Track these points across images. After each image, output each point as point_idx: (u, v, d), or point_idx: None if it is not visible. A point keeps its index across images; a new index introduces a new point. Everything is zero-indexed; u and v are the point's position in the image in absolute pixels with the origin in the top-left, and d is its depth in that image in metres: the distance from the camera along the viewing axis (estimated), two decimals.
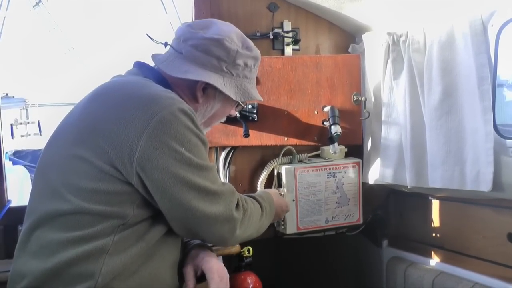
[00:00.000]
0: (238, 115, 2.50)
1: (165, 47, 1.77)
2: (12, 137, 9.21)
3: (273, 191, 2.22)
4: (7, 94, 9.39)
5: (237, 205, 1.65)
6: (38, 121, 9.58)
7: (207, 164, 1.55)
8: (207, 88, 1.72)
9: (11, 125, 9.25)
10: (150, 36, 1.80)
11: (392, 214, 2.96)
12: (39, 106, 10.12)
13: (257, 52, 1.81)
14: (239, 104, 1.85)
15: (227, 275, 1.72)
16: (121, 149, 1.43)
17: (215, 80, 1.68)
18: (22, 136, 9.46)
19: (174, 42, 1.74)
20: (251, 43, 1.80)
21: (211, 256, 1.75)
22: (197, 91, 1.72)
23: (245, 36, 1.79)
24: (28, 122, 9.77)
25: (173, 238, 1.62)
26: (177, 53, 1.71)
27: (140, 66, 1.74)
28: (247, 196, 1.85)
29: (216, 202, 1.55)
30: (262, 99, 1.89)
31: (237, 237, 1.65)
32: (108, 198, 1.45)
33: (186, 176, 1.48)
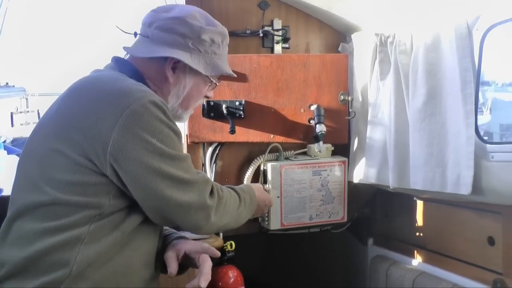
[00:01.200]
0: (225, 111, 2.52)
1: (135, 37, 1.80)
2: (12, 125, 9.24)
3: (256, 185, 2.23)
4: (7, 83, 9.42)
5: (212, 193, 1.68)
6: (38, 110, 9.61)
7: (179, 154, 1.58)
8: (177, 67, 1.75)
9: (11, 113, 9.28)
10: (120, 28, 1.83)
11: (378, 213, 2.99)
12: (39, 95, 10.13)
13: (222, 28, 1.83)
14: (213, 82, 1.86)
15: (210, 263, 1.75)
16: (95, 141, 1.47)
17: (182, 56, 1.70)
18: (21, 124, 9.49)
19: (142, 29, 1.78)
20: (215, 21, 1.82)
21: (193, 241, 1.80)
22: (166, 71, 1.74)
23: (208, 15, 1.82)
24: (28, 111, 9.79)
25: (150, 228, 1.65)
26: (144, 38, 1.75)
27: (116, 61, 1.77)
28: (226, 186, 1.88)
29: (190, 191, 1.58)
30: (234, 75, 1.91)
31: (212, 224, 1.68)
32: (84, 189, 1.49)
33: (158, 166, 1.51)
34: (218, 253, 1.83)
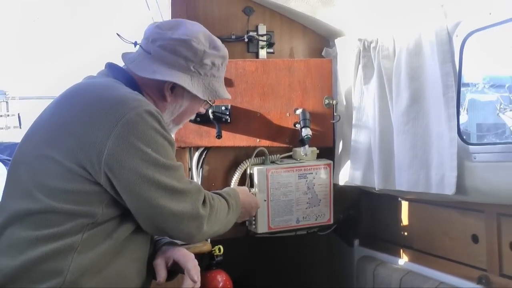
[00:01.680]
0: (211, 116, 2.54)
1: (135, 47, 1.80)
2: None
3: (241, 188, 2.25)
4: None
5: (204, 202, 1.69)
6: (18, 114, 9.52)
7: (173, 163, 1.60)
8: (175, 88, 1.76)
9: None
10: (120, 35, 1.82)
11: (363, 214, 3.02)
12: (19, 99, 10.04)
13: (224, 51, 1.84)
14: (207, 102, 1.88)
15: (198, 267, 1.78)
16: (90, 150, 1.47)
17: (183, 80, 1.72)
18: (1, 128, 9.39)
19: (143, 42, 1.77)
20: (218, 42, 1.83)
21: (182, 248, 1.81)
22: (165, 91, 1.75)
23: (212, 36, 1.82)
24: (8, 115, 9.70)
25: (142, 236, 1.67)
26: (145, 53, 1.74)
27: (110, 67, 1.77)
28: (214, 193, 1.90)
29: (183, 200, 1.60)
30: (229, 97, 1.91)
31: (204, 233, 1.70)
32: (77, 197, 1.49)
33: (153, 176, 1.52)
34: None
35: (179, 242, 1.89)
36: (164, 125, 1.59)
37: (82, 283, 1.48)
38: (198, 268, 1.78)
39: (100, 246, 1.52)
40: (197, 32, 1.77)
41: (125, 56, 1.79)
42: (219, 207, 1.81)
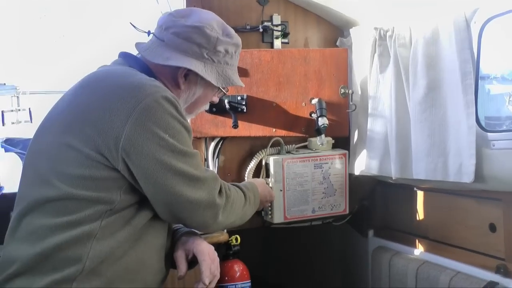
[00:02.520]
0: (227, 106, 2.54)
1: (148, 36, 1.79)
2: (3, 124, 9.17)
3: (259, 181, 2.26)
4: None
5: (220, 192, 1.69)
6: (29, 109, 9.52)
7: (190, 150, 1.60)
8: (189, 75, 1.76)
9: (2, 112, 9.20)
10: (134, 24, 1.81)
11: (378, 204, 3.01)
12: (30, 93, 10.05)
13: (237, 39, 1.84)
14: (221, 90, 1.88)
15: (218, 258, 1.78)
16: (107, 136, 1.48)
17: (196, 66, 1.71)
18: (13, 123, 9.40)
19: (157, 31, 1.77)
20: (231, 30, 1.82)
21: (201, 240, 1.79)
22: (178, 78, 1.75)
23: (225, 24, 1.82)
24: (19, 110, 9.70)
25: (160, 223, 1.67)
26: (159, 41, 1.74)
27: (125, 56, 1.78)
28: (232, 184, 1.89)
29: (199, 188, 1.60)
30: (243, 85, 1.91)
31: (219, 223, 1.70)
32: (95, 184, 1.49)
33: (169, 162, 1.52)
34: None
35: (198, 232, 1.89)
36: (181, 111, 1.59)
37: (101, 271, 1.49)
38: (217, 263, 1.77)
39: (119, 233, 1.52)
40: (211, 20, 1.77)
41: (138, 45, 1.79)
42: (235, 198, 1.81)
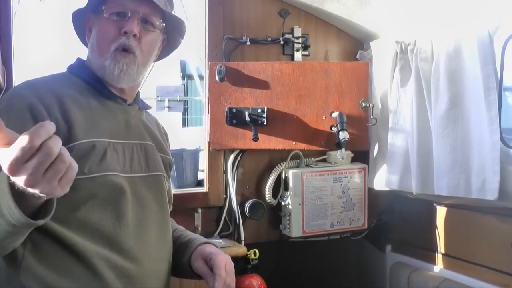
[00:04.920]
0: (248, 118, 2.53)
1: None
2: None
3: None
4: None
5: None
6: None
7: None
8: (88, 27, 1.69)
9: None
10: None
11: (396, 219, 2.98)
12: None
13: None
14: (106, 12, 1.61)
15: (233, 270, 1.70)
16: None
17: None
18: None
19: None
20: None
21: (218, 251, 1.72)
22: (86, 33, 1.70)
23: None
24: None
25: None
26: None
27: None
28: None
29: None
30: None
31: None
32: None
33: None
34: None
35: (213, 242, 1.84)
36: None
37: None
38: (233, 276, 1.70)
39: None
40: None
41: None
42: None
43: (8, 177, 1.01)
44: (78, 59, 1.71)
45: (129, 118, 1.68)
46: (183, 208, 2.47)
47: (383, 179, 2.67)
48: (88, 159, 1.46)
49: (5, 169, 0.96)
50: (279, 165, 2.65)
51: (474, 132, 2.23)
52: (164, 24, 1.69)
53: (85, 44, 1.73)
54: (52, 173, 0.98)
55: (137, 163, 1.63)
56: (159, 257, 1.64)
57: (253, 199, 2.65)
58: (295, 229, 2.60)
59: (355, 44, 2.93)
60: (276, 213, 2.71)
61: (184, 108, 14.98)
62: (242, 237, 2.62)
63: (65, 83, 1.59)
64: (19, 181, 0.98)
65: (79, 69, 1.66)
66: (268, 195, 2.66)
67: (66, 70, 1.68)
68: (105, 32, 1.59)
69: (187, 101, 14.98)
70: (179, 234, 1.84)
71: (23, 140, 0.93)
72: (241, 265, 2.31)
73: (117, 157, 1.56)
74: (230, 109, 2.54)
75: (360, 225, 2.74)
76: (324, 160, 2.75)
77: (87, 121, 1.51)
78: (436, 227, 2.69)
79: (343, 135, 2.46)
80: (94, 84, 1.62)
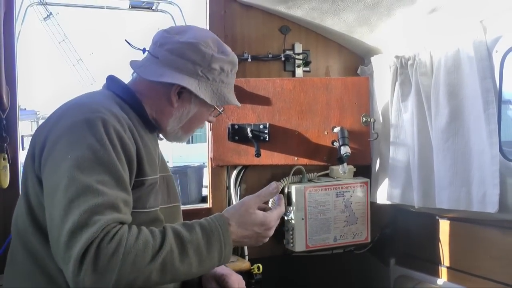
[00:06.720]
0: (250, 134, 2.55)
1: (144, 53, 1.75)
2: (23, 148, 9.29)
3: (241, 210, 1.64)
4: (19, 106, 9.49)
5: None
6: None
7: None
8: (183, 92, 1.68)
9: (22, 137, 9.33)
10: (129, 42, 1.79)
11: (399, 232, 2.99)
12: None
13: (233, 57, 1.75)
14: (216, 110, 1.78)
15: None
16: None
17: (190, 83, 1.64)
18: None
19: (151, 47, 1.71)
20: (228, 48, 1.75)
21: (231, 272, 1.77)
22: (172, 95, 1.67)
23: (221, 42, 1.75)
24: None
25: None
26: (153, 58, 1.68)
27: (108, 79, 1.74)
28: (163, 229, 1.42)
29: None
30: (239, 104, 1.80)
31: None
32: None
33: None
34: None
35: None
36: (122, 136, 1.46)
37: None
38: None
39: None
40: (206, 37, 1.70)
41: (133, 62, 1.74)
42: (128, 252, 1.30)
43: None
44: (120, 82, 1.72)
45: (158, 150, 1.72)
46: None
47: (386, 193, 2.69)
48: (151, 196, 1.54)
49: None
50: (281, 180, 2.66)
51: (474, 145, 2.24)
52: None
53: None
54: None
55: (166, 195, 1.68)
56: None
57: None
58: (299, 244, 2.61)
59: (356, 59, 2.96)
60: (280, 228, 2.71)
61: None
62: (246, 252, 2.64)
63: (123, 111, 1.58)
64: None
65: (126, 95, 1.67)
66: None
67: (108, 90, 1.69)
68: (202, 122, 1.82)
69: None
70: None
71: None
72: (245, 280, 2.30)
73: (161, 192, 1.62)
74: (233, 125, 2.57)
75: (363, 239, 2.74)
76: (327, 175, 2.77)
77: (147, 155, 1.54)
78: (439, 240, 2.69)
79: (345, 150, 2.48)
80: (144, 117, 1.66)
